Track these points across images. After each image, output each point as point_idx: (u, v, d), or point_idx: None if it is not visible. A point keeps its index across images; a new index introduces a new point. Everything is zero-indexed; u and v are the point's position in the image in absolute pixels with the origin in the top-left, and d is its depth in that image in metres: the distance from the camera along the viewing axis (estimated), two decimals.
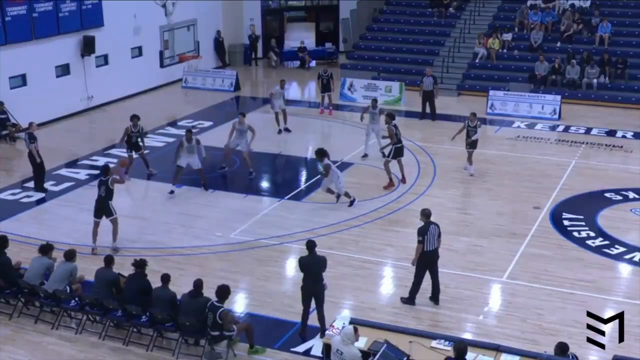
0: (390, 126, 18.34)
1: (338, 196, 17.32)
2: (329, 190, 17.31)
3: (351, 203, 17.26)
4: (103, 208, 15.11)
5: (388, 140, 18.53)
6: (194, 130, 19.30)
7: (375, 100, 21.21)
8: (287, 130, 23.28)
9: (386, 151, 18.59)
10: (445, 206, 17.45)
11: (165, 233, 16.17)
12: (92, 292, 12.38)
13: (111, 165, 19.67)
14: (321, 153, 17.26)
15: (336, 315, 11.83)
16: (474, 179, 19.19)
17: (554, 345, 10.02)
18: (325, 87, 25.41)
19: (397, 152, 18.42)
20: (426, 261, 12.74)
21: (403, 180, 18.68)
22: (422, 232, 12.63)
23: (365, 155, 20.65)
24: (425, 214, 12.91)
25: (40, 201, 18.09)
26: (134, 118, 19.18)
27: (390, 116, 18.71)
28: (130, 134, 19.07)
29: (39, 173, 18.39)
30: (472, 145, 19.18)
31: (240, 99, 28.53)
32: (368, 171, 19.62)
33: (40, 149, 18.21)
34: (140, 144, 19.22)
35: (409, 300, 13.00)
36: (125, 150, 19.41)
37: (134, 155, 19.25)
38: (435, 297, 13.05)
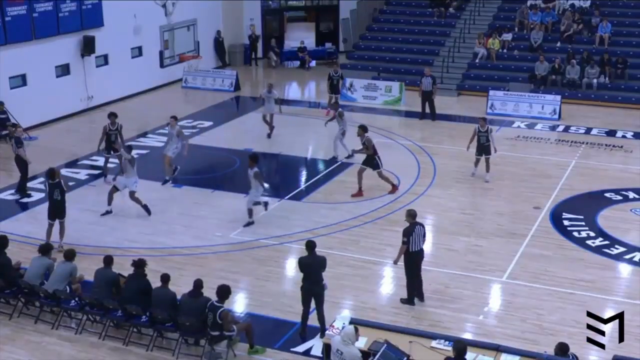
0: (368, 138, 18.05)
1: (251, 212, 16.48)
2: (255, 203, 16.44)
3: (248, 224, 16.34)
4: (58, 210, 15.13)
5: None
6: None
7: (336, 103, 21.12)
8: (268, 136, 22.61)
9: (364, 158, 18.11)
10: (445, 206, 17.47)
11: (165, 233, 16.16)
12: (92, 292, 12.37)
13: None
14: (255, 159, 16.44)
15: (336, 315, 11.83)
16: (474, 179, 19.17)
17: (554, 345, 10.04)
18: (334, 88, 25.34)
19: (379, 163, 17.98)
20: (412, 261, 12.83)
21: (360, 193, 17.99)
22: (408, 233, 12.69)
23: (350, 156, 20.27)
24: (411, 214, 12.96)
25: (34, 202, 18.03)
26: (112, 116, 18.86)
27: (363, 128, 18.28)
28: (108, 132, 18.73)
29: (26, 176, 18.33)
30: (483, 150, 18.89)
31: (240, 99, 28.52)
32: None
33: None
34: (119, 141, 18.61)
35: (408, 300, 13.04)
36: (102, 150, 18.99)
37: (111, 155, 18.81)
38: (419, 294, 13.08)
